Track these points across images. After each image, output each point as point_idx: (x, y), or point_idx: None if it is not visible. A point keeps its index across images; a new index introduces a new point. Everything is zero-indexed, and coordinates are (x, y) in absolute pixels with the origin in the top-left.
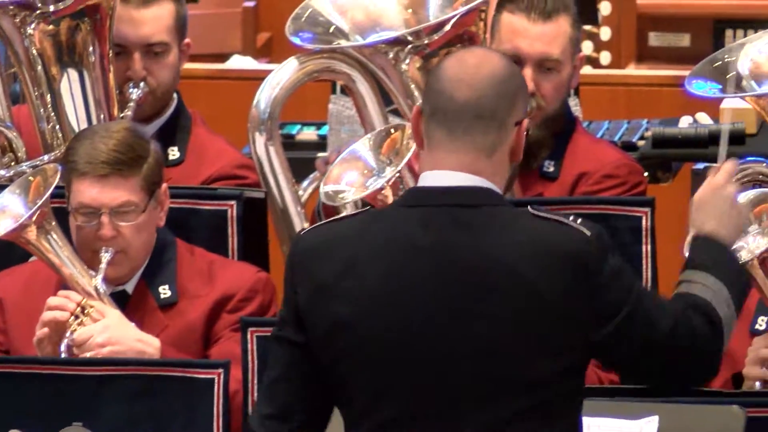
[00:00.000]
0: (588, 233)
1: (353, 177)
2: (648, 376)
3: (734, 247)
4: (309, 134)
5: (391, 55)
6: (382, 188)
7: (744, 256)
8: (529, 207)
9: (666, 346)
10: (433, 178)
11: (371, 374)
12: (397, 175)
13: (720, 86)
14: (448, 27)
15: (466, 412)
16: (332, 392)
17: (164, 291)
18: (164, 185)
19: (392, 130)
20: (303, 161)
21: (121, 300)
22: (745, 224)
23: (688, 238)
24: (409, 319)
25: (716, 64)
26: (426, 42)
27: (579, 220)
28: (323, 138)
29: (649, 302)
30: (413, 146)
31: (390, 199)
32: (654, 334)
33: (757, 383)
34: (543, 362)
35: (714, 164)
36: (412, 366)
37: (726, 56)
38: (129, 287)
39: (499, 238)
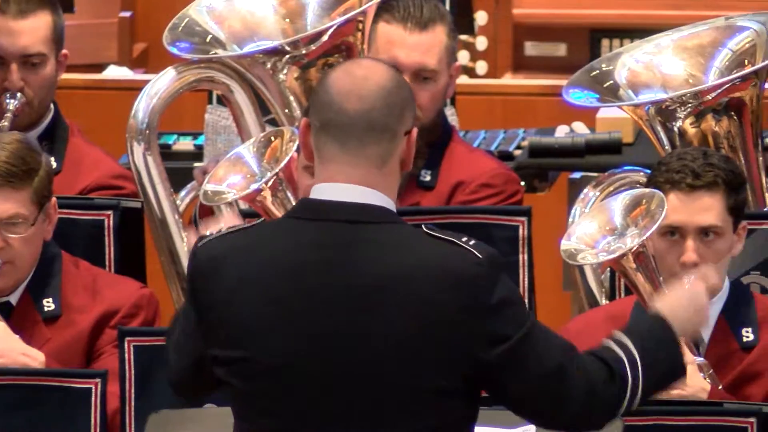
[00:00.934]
0: (480, 255)
1: (236, 180)
2: (532, 411)
3: (613, 248)
4: (185, 144)
5: (268, 65)
6: (260, 190)
7: (620, 252)
8: (423, 226)
9: (556, 380)
10: (326, 191)
11: (259, 392)
12: (275, 177)
13: (597, 95)
14: (325, 37)
15: (352, 429)
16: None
17: (48, 304)
18: (53, 198)
19: (272, 138)
20: (179, 171)
21: (4, 311)
22: (623, 226)
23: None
24: (297, 338)
25: (593, 74)
26: (304, 52)
27: (472, 242)
28: (200, 148)
29: (542, 334)
30: (291, 151)
31: (268, 201)
32: (546, 367)
33: None
34: (432, 383)
35: (591, 173)
36: (300, 384)
37: (603, 65)
38: (13, 299)
39: (391, 257)
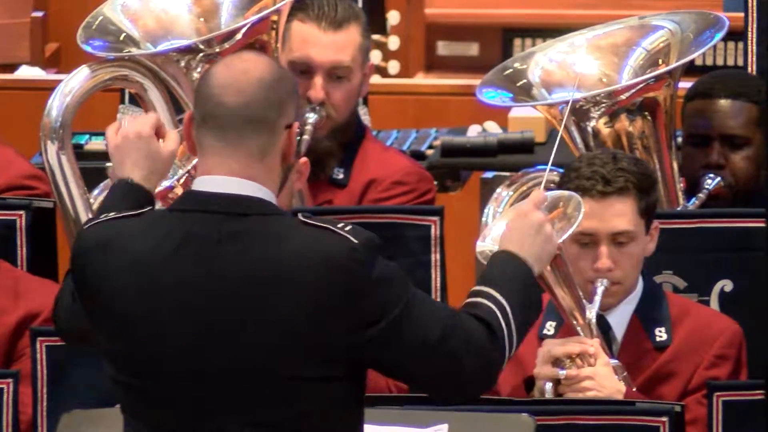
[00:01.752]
0: (355, 240)
1: None
2: (424, 384)
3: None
4: (98, 144)
5: (182, 64)
6: (172, 187)
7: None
8: (299, 215)
9: (439, 353)
10: (206, 183)
11: (136, 384)
12: (187, 175)
13: (511, 95)
14: (239, 36)
15: (232, 419)
16: None
17: None
18: None
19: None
20: (92, 171)
21: None
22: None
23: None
24: (172, 328)
25: (507, 73)
26: (217, 50)
27: (348, 228)
28: None
29: (421, 309)
30: None
31: None
32: (426, 340)
33: (548, 384)
34: (313, 369)
35: (504, 173)
36: (176, 375)
37: (517, 65)
38: None
39: (268, 247)
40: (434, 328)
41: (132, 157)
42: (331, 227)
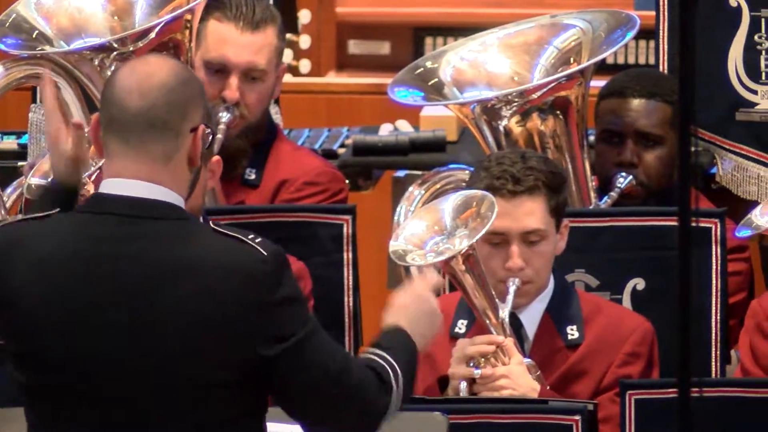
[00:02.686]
0: (265, 253)
1: None
2: (313, 416)
3: (441, 249)
4: (9, 143)
5: (96, 62)
6: (84, 183)
7: (449, 254)
8: (210, 222)
9: (336, 385)
10: (112, 186)
11: (44, 388)
12: (98, 171)
13: (422, 94)
14: (153, 34)
15: (134, 422)
16: None
17: None
18: None
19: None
20: (3, 170)
21: None
22: (452, 227)
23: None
24: (78, 331)
25: (418, 72)
26: (131, 49)
27: (259, 239)
28: (24, 147)
29: (322, 339)
30: None
31: None
32: (327, 370)
33: (463, 383)
34: (212, 377)
35: (416, 172)
36: (81, 378)
37: (428, 63)
38: None
39: (175, 252)
40: (334, 360)
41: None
42: (241, 237)
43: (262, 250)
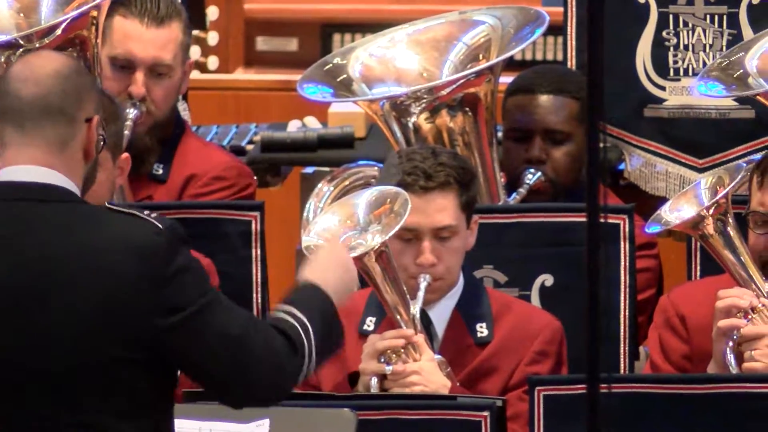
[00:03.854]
0: (160, 226)
1: None
2: (217, 383)
3: (353, 244)
4: None
5: (2, 59)
6: None
7: (362, 250)
8: (105, 203)
9: (237, 352)
10: (9, 173)
11: None
12: None
13: (331, 90)
14: (59, 31)
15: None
16: None
17: None
18: None
19: None
20: None
21: None
22: (365, 223)
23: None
24: None
25: (327, 68)
26: (37, 45)
27: (154, 215)
28: None
29: (223, 307)
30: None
31: None
32: (226, 337)
33: (374, 379)
34: (116, 354)
35: (324, 168)
36: None
37: (337, 60)
38: None
39: (71, 233)
40: (235, 326)
41: None
42: (136, 213)
43: (157, 223)
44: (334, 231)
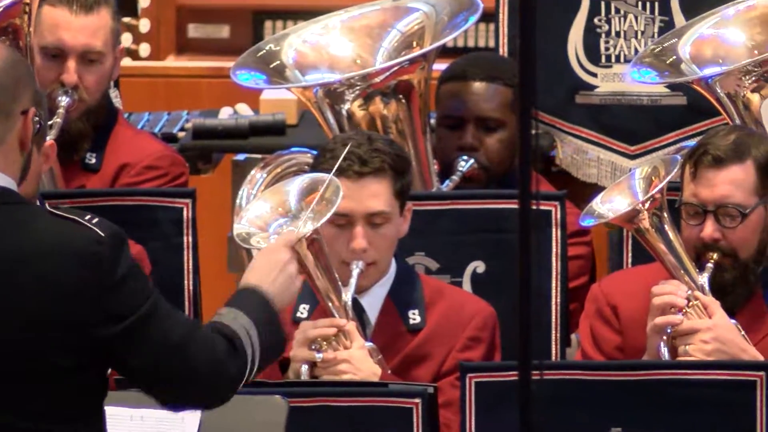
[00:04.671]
0: (102, 233)
1: None
2: (162, 388)
3: (285, 231)
4: None
5: None
6: None
7: (295, 237)
8: (47, 204)
9: (181, 356)
10: None
11: None
12: None
13: (265, 77)
14: None
15: None
16: None
17: None
18: None
19: None
20: None
21: None
22: (297, 210)
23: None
24: None
25: (260, 54)
26: None
27: (95, 220)
28: None
29: (166, 311)
30: None
31: None
32: (168, 343)
33: (304, 366)
34: (57, 362)
35: (256, 155)
36: None
37: (270, 46)
38: None
39: (11, 237)
40: (177, 332)
41: None
42: (78, 219)
43: (99, 231)
44: (266, 218)
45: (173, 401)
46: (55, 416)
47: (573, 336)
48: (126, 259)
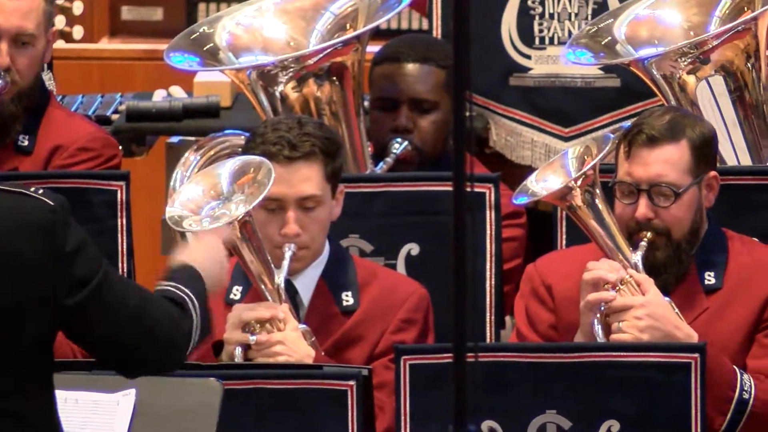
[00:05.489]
0: (52, 203)
1: None
2: (121, 354)
3: (217, 214)
4: None
5: None
6: None
7: (225, 220)
8: None
9: (139, 320)
10: None
11: None
12: None
13: (198, 59)
14: None
15: None
16: None
17: None
18: None
19: None
20: None
21: None
22: (229, 193)
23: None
24: None
25: (194, 37)
26: None
27: (41, 191)
28: None
29: (117, 277)
30: None
31: None
32: (128, 304)
33: (238, 349)
34: (14, 338)
35: (189, 137)
36: None
37: (204, 29)
38: None
39: None
40: (132, 297)
41: None
42: (25, 191)
43: (48, 201)
44: (198, 201)
45: (131, 365)
46: (21, 394)
47: (507, 318)
48: (76, 225)
